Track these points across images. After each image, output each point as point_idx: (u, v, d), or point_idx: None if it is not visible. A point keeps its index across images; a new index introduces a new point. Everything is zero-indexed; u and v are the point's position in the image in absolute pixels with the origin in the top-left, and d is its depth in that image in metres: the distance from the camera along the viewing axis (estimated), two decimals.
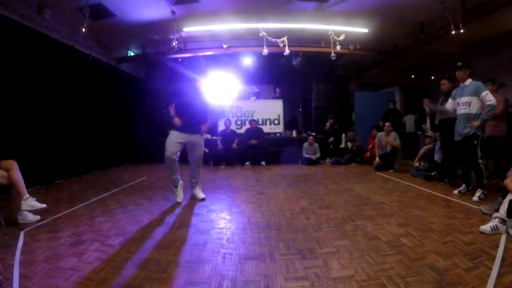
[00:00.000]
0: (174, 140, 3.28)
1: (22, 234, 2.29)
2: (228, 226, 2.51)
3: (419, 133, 6.14)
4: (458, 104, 3.39)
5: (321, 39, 6.23)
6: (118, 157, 6.88)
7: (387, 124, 5.68)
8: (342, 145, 7.20)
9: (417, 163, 4.87)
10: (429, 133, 5.02)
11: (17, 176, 2.54)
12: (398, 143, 5.57)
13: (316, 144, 6.77)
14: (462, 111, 3.33)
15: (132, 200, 3.45)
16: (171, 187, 3.42)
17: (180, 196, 3.38)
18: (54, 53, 4.81)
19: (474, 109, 3.25)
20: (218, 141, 6.67)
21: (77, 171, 5.32)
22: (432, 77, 8.42)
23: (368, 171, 5.52)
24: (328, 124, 7.35)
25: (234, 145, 6.55)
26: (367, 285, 1.52)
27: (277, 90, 8.47)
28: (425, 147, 4.82)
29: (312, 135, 6.85)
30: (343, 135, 7.37)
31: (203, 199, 3.43)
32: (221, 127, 7.35)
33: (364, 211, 2.86)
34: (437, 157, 4.44)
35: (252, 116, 7.76)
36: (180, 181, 3.39)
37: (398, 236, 2.17)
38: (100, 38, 6.11)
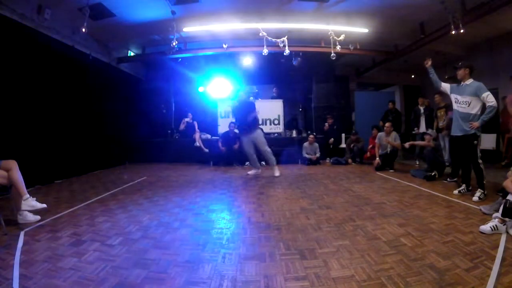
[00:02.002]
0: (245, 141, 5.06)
1: (22, 234, 2.30)
2: (228, 226, 2.51)
3: (414, 132, 6.16)
4: (457, 101, 3.39)
5: (321, 39, 6.23)
6: (118, 157, 6.88)
7: (387, 124, 5.68)
8: (343, 145, 7.19)
9: (407, 145, 4.93)
10: (429, 131, 5.03)
11: (17, 176, 2.54)
12: (399, 143, 5.57)
13: (316, 144, 6.76)
14: (462, 110, 3.33)
15: (132, 200, 3.45)
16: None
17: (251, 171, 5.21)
18: (54, 53, 4.81)
19: (474, 109, 3.24)
20: (219, 143, 6.64)
21: (77, 171, 5.33)
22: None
23: (368, 171, 5.52)
24: (327, 124, 7.35)
25: (235, 146, 6.52)
26: (367, 285, 1.52)
27: (274, 89, 8.48)
28: (424, 143, 4.80)
29: (312, 134, 6.84)
30: (343, 135, 7.37)
31: (277, 176, 4.95)
32: (222, 128, 7.35)
33: (364, 211, 2.85)
34: (447, 156, 4.45)
35: None
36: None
37: (398, 236, 2.17)
38: (100, 38, 6.11)
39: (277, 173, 5.04)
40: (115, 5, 4.80)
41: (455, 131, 3.42)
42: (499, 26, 5.58)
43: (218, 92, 8.11)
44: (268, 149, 5.06)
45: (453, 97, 3.47)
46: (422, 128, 5.86)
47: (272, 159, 5.12)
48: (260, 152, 5.11)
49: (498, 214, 2.23)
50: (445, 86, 3.59)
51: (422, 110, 5.97)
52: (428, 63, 3.67)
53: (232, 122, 7.05)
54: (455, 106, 3.44)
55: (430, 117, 5.78)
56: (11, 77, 3.97)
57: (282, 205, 3.15)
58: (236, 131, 6.92)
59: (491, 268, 1.64)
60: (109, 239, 2.20)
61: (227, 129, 6.87)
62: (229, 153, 6.56)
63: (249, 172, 5.26)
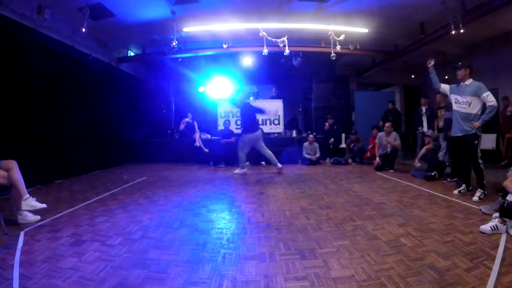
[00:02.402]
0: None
1: (22, 234, 2.29)
2: (228, 226, 2.51)
3: (418, 132, 6.17)
4: (457, 101, 3.39)
5: (321, 39, 6.23)
6: (118, 157, 6.88)
7: (387, 124, 5.68)
8: (343, 145, 7.20)
9: (419, 164, 4.87)
10: (429, 132, 5.02)
11: (17, 176, 2.54)
12: (399, 143, 5.57)
13: (316, 144, 6.76)
14: (462, 110, 3.33)
15: (132, 200, 3.45)
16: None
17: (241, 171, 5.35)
18: (54, 53, 4.81)
19: (474, 109, 3.24)
20: (221, 140, 6.72)
21: (77, 171, 5.33)
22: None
23: (368, 171, 5.52)
24: (327, 124, 7.35)
25: (229, 140, 6.55)
26: (367, 285, 1.52)
27: (274, 89, 8.50)
28: (425, 147, 4.82)
29: (312, 134, 6.84)
30: (343, 135, 7.37)
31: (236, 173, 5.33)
32: (221, 127, 7.38)
33: (364, 211, 2.85)
34: (445, 157, 4.44)
35: None
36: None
37: (398, 236, 2.17)
38: (100, 38, 6.11)
39: (237, 171, 5.41)
40: (115, 5, 4.80)
41: (455, 132, 3.42)
42: (499, 26, 5.58)
43: (218, 92, 8.11)
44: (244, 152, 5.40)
45: (453, 97, 3.46)
46: (424, 128, 5.88)
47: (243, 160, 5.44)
48: (259, 151, 5.47)
49: (498, 214, 2.23)
50: (445, 87, 3.59)
51: (423, 110, 5.98)
52: (431, 63, 3.66)
53: (227, 120, 7.11)
54: (455, 106, 3.43)
55: (431, 117, 5.79)
56: (11, 77, 3.97)
57: (282, 205, 3.15)
58: (234, 128, 7.03)
59: (491, 268, 1.64)
60: (109, 239, 2.20)
61: (223, 127, 7.07)
62: (229, 153, 6.58)
63: (235, 171, 5.39)
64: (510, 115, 5.60)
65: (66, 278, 1.61)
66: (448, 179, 4.17)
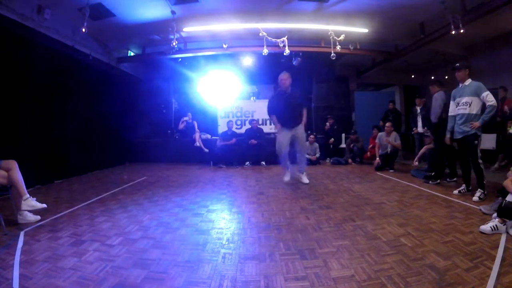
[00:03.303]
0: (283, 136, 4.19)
1: (22, 234, 2.30)
2: (228, 226, 2.51)
3: (412, 132, 6.17)
4: (458, 104, 3.39)
5: (321, 39, 6.22)
6: (118, 157, 6.88)
7: (387, 124, 5.69)
8: (343, 145, 7.20)
9: (416, 163, 4.88)
10: (429, 132, 5.03)
11: (17, 176, 2.54)
12: (399, 143, 5.57)
13: (316, 144, 6.76)
14: (462, 111, 3.33)
15: (132, 200, 3.45)
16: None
17: (286, 177, 4.33)
18: (54, 53, 4.81)
19: (474, 109, 3.24)
20: (218, 141, 6.69)
21: (77, 171, 5.33)
22: (432, 77, 8.44)
23: (368, 171, 5.52)
24: (328, 124, 7.35)
25: (224, 143, 6.56)
26: (367, 285, 1.52)
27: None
28: (425, 146, 4.82)
29: (313, 134, 6.84)
30: (343, 135, 7.37)
31: (306, 183, 4.27)
32: (222, 128, 7.38)
33: (364, 211, 2.85)
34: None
35: (252, 116, 7.76)
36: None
37: (398, 236, 2.17)
38: (100, 38, 6.11)
39: (306, 180, 4.33)
40: (115, 5, 4.79)
41: (456, 135, 3.41)
42: (499, 26, 5.58)
43: (218, 92, 8.11)
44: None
45: (456, 101, 3.45)
46: (419, 128, 5.88)
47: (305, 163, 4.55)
48: (295, 152, 4.35)
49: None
50: (452, 104, 3.51)
51: (418, 110, 5.98)
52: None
53: (230, 121, 7.11)
54: (456, 111, 3.42)
55: (426, 117, 5.79)
56: (10, 77, 3.97)
57: (282, 205, 3.15)
58: (234, 129, 7.01)
59: (491, 268, 1.64)
60: (109, 239, 2.20)
61: (226, 128, 6.97)
62: (229, 153, 6.58)
63: (285, 179, 4.34)
64: (508, 113, 5.59)
65: (66, 278, 1.61)
66: (447, 179, 4.16)
